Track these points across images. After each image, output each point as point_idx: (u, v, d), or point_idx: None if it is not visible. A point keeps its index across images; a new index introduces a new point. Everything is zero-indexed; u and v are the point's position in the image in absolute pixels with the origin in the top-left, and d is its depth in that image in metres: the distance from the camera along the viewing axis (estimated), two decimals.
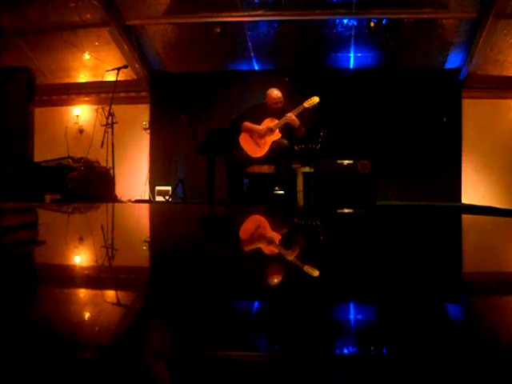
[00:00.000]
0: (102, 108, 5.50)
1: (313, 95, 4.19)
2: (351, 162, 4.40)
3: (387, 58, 6.22)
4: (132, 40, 6.15)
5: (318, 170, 4.44)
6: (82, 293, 0.59)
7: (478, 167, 6.15)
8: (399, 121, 6.08)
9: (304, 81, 6.07)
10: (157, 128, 6.61)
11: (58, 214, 2.08)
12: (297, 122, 4.10)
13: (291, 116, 4.08)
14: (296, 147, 4.61)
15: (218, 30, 5.94)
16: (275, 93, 4.28)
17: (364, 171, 4.37)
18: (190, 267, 0.77)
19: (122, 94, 6.36)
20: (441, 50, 6.07)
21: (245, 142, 4.24)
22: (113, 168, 5.27)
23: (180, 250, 1.03)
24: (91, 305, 0.52)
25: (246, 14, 5.80)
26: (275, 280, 0.71)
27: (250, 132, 4.23)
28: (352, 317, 0.49)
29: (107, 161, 5.22)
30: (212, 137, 4.87)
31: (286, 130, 4.18)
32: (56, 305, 0.52)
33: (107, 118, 5.30)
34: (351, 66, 6.39)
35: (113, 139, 5.22)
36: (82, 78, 6.76)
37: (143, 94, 6.71)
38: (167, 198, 6.05)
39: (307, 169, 4.56)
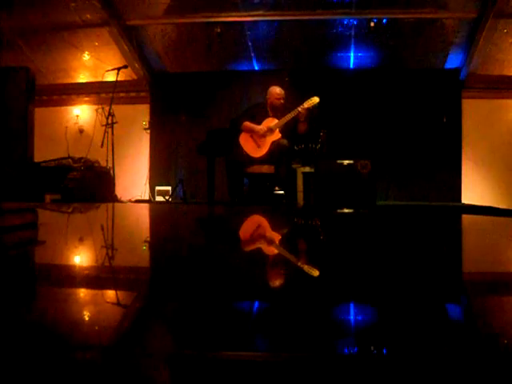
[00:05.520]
0: (102, 108, 5.50)
1: (313, 95, 4.19)
2: (351, 161, 4.40)
3: (387, 57, 6.22)
4: (132, 40, 6.15)
5: (318, 170, 4.44)
6: (82, 293, 0.59)
7: (477, 167, 6.15)
8: (399, 121, 6.08)
9: (304, 81, 6.07)
10: (157, 128, 6.61)
11: (57, 214, 2.08)
12: (305, 114, 4.08)
13: (302, 108, 4.05)
14: (296, 147, 4.60)
15: (218, 30, 5.94)
16: (278, 89, 4.30)
17: (364, 171, 4.36)
18: (189, 267, 0.77)
19: (122, 94, 6.36)
20: (441, 50, 6.07)
21: (245, 141, 4.24)
22: (113, 168, 5.27)
23: (180, 250, 1.03)
24: (91, 305, 0.52)
25: (246, 14, 5.80)
26: (275, 280, 0.71)
27: (250, 132, 4.22)
28: (352, 317, 0.49)
29: (107, 161, 5.22)
30: (212, 137, 4.87)
31: (286, 129, 4.18)
32: (56, 305, 0.52)
33: (107, 118, 5.30)
34: (351, 66, 6.40)
35: (113, 139, 5.22)
36: (82, 78, 6.76)
37: (143, 94, 6.71)
38: (167, 198, 6.05)
39: (307, 169, 4.56)
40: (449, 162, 6.11)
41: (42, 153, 5.31)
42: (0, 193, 4.13)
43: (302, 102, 4.16)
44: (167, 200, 5.98)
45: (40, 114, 5.40)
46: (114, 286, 0.63)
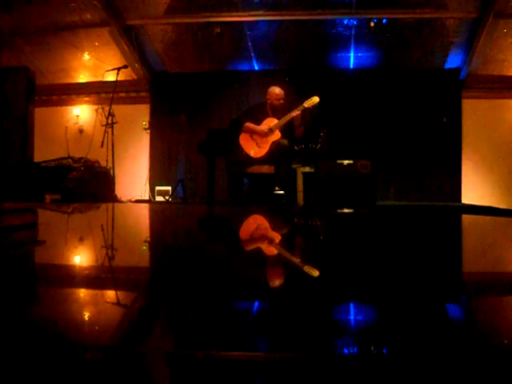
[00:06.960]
0: (102, 108, 5.50)
1: (313, 95, 4.19)
2: (351, 161, 4.39)
3: (387, 57, 6.22)
4: (132, 40, 6.15)
5: (318, 170, 4.44)
6: (82, 293, 0.59)
7: (477, 167, 6.15)
8: (399, 121, 6.08)
9: (304, 81, 6.07)
10: (157, 128, 6.61)
11: (57, 214, 2.08)
12: (300, 118, 4.10)
13: (297, 112, 4.07)
14: (296, 147, 4.60)
15: (218, 30, 5.94)
16: (278, 89, 4.31)
17: (364, 171, 4.36)
18: (189, 267, 0.77)
19: (122, 94, 6.36)
20: (441, 50, 6.07)
21: (245, 142, 4.24)
22: (113, 168, 5.27)
23: (180, 250, 1.03)
24: (91, 305, 0.52)
25: (246, 14, 5.80)
26: (274, 280, 0.71)
27: (252, 133, 4.23)
28: (352, 317, 0.49)
29: (107, 161, 5.22)
30: (212, 137, 4.87)
31: (286, 129, 4.18)
32: (56, 305, 0.52)
33: (107, 118, 5.30)
34: (351, 66, 6.39)
35: (113, 139, 5.22)
36: (82, 78, 6.76)
37: (143, 93, 6.71)
38: (167, 198, 6.05)
39: (307, 169, 4.56)
40: (449, 162, 6.11)
41: (42, 153, 5.31)
42: (0, 193, 4.13)
43: (302, 102, 4.16)
44: (167, 200, 5.98)
45: (40, 114, 5.40)
46: (114, 286, 0.63)
